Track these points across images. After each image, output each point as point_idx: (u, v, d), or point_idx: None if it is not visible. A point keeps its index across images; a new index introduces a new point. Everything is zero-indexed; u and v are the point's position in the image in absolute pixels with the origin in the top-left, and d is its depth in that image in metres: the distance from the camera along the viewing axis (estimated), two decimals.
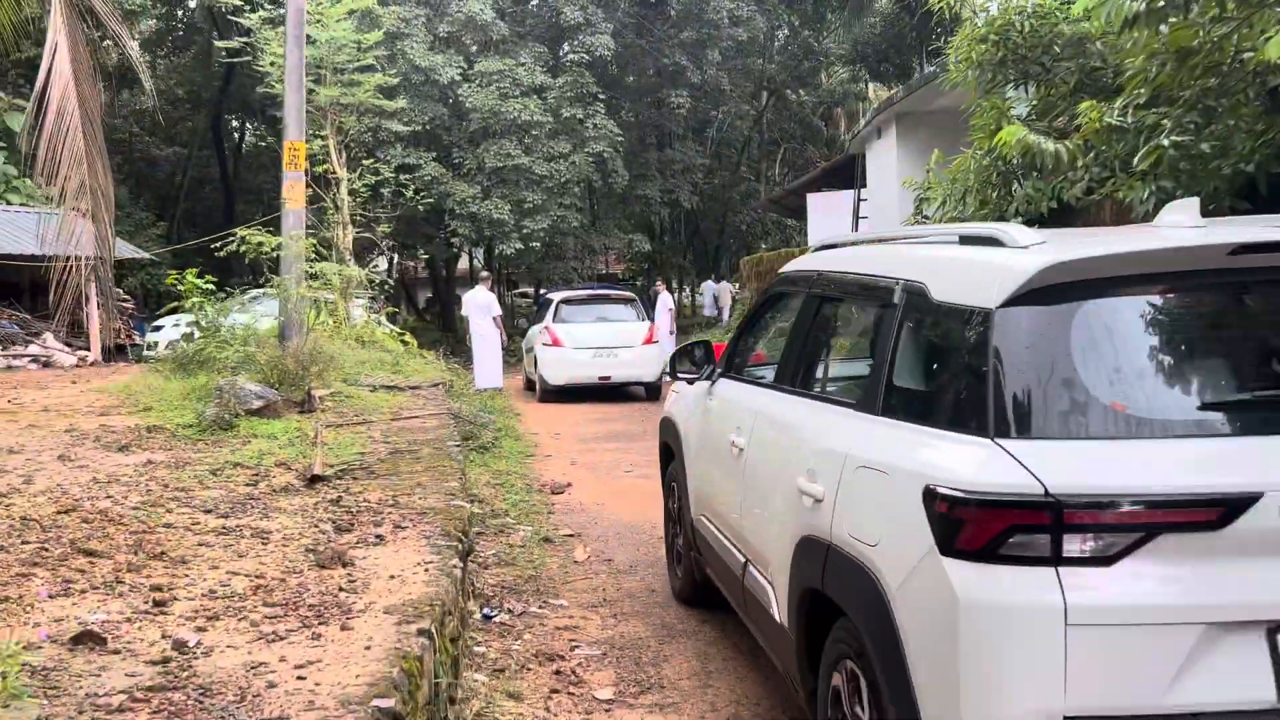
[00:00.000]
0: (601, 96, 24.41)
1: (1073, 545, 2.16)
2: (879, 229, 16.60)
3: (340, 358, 11.79)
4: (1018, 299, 2.38)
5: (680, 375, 4.93)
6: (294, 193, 11.09)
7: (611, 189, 26.53)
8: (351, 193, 16.66)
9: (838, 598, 2.76)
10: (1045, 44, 9.08)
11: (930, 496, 2.31)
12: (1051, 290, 2.38)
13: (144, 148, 33.92)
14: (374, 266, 16.83)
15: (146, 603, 3.21)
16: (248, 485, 5.08)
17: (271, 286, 8.95)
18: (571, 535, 6.87)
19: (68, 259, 7.68)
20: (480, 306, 16.28)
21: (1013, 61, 9.73)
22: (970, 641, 2.19)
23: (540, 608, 5.28)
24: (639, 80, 29.45)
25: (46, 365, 17.63)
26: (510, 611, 5.16)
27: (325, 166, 16.39)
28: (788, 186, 27.59)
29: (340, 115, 16.92)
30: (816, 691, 2.97)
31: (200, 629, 3.01)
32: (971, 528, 2.23)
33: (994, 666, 2.17)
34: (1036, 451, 2.23)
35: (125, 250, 19.89)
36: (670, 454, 5.40)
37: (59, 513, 4.24)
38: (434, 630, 3.13)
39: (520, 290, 38.14)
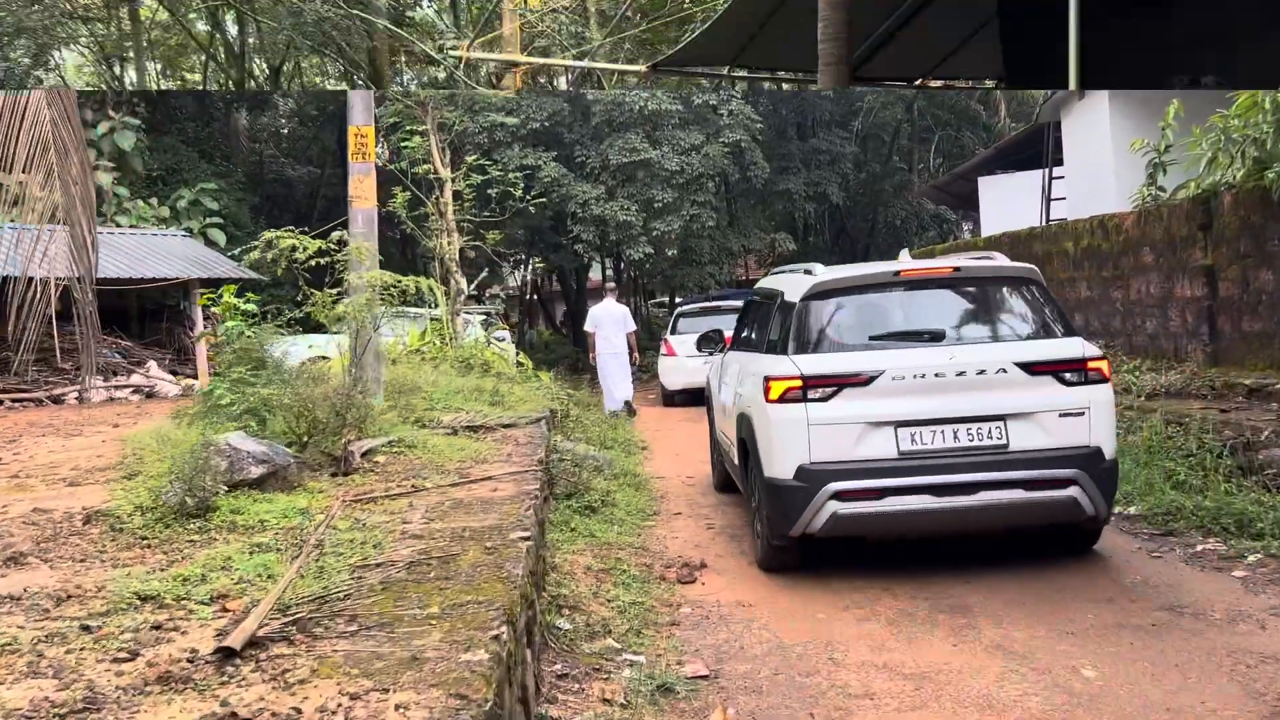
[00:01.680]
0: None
1: (810, 394, 5.48)
2: (1082, 211, 13.48)
3: (425, 389, 9.77)
4: (806, 298, 5.93)
5: (702, 351, 8.53)
6: (362, 188, 9.17)
7: (750, 183, 23.86)
8: (456, 195, 14.70)
9: (744, 437, 6.28)
10: None
11: (764, 379, 5.72)
12: (818, 293, 5.94)
13: (279, 168, 33.44)
14: (483, 278, 15.00)
15: None
16: (114, 663, 2.84)
17: (310, 303, 6.87)
18: (704, 677, 4.42)
19: (30, 280, 5.77)
20: (615, 320, 14.76)
21: None
22: (775, 433, 5.62)
23: None
24: None
25: (150, 395, 16.46)
26: None
27: (426, 167, 14.57)
28: (954, 171, 24.25)
29: (441, 110, 15.06)
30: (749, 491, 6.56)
31: None
32: (775, 389, 5.60)
33: (782, 443, 5.57)
34: (802, 359, 5.67)
35: (234, 271, 18.79)
36: (709, 405, 8.86)
37: None
38: None
39: (657, 300, 35.80)
